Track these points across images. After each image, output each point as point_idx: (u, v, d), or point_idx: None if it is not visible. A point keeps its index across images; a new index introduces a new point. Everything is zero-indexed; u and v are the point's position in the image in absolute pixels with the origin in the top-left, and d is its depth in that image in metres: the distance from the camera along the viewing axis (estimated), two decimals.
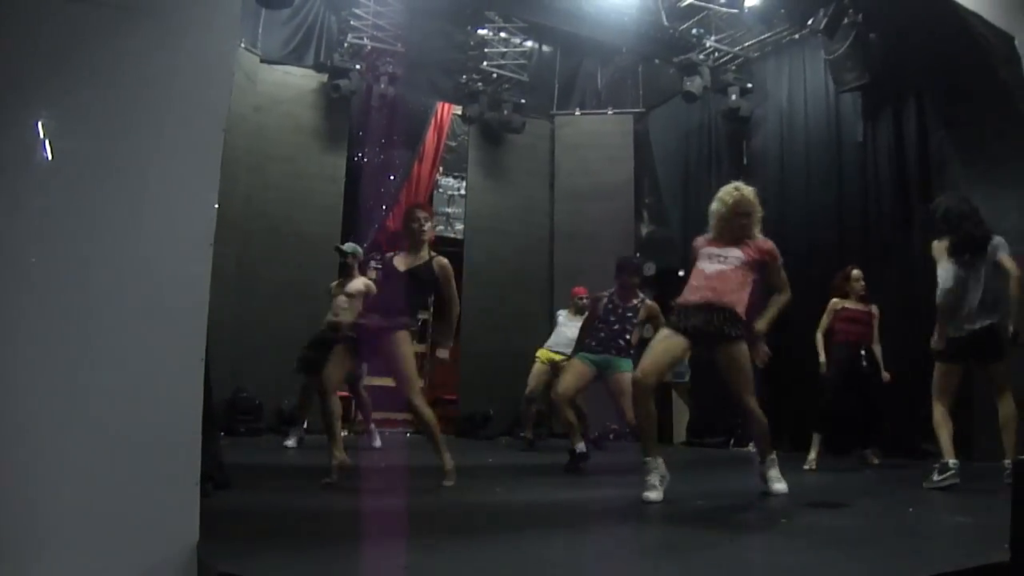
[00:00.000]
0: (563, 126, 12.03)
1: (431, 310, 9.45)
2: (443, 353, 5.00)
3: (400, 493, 4.64)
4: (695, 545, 3.19)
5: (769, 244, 4.56)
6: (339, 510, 3.93)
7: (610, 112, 12.03)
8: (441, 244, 11.40)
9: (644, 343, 5.74)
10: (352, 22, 10.11)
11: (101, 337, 2.57)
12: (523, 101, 11.41)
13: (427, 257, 4.89)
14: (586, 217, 11.37)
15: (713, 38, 9.73)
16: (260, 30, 9.84)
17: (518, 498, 4.71)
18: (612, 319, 6.15)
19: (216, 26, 2.95)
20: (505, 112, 11.13)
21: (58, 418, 2.47)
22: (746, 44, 9.90)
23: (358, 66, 10.07)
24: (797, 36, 9.41)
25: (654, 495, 4.22)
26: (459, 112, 11.40)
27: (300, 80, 10.33)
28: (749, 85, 9.82)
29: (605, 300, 6.24)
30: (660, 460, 4.36)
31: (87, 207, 2.61)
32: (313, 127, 10.37)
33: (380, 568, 2.59)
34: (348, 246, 7.52)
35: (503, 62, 11.16)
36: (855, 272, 6.73)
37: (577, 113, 12.08)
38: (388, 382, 4.99)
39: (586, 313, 6.90)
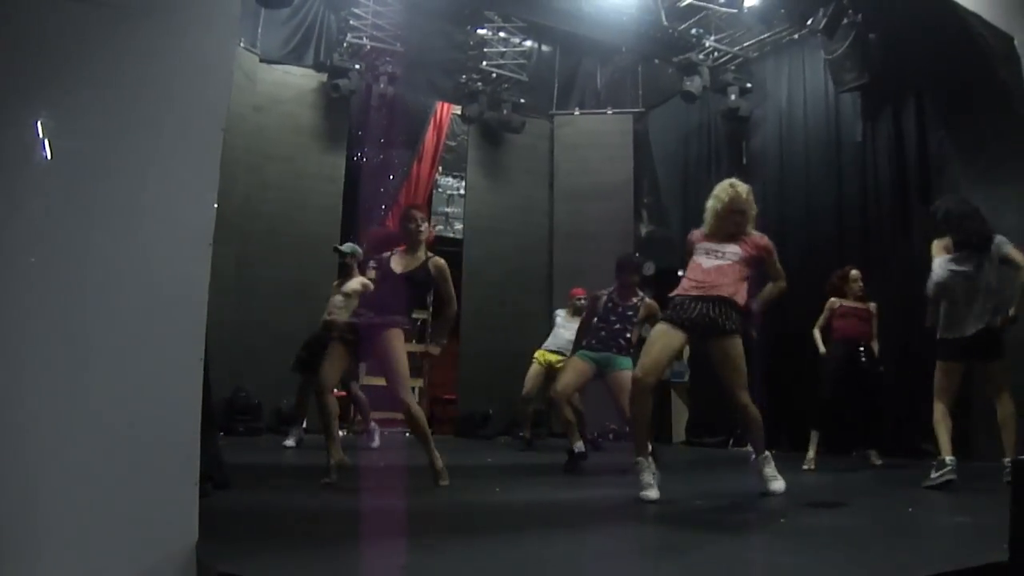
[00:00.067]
0: (562, 126, 12.04)
1: (430, 310, 9.48)
2: (434, 349, 4.99)
3: (399, 493, 4.63)
4: (694, 545, 3.19)
5: (764, 240, 4.62)
6: (338, 510, 3.93)
7: (609, 112, 12.04)
8: (440, 244, 11.41)
9: (643, 343, 5.76)
10: (351, 22, 10.11)
11: (100, 337, 2.57)
12: (522, 101, 11.43)
13: (423, 258, 4.90)
14: (585, 217, 11.38)
15: (712, 38, 9.73)
16: (259, 30, 9.84)
17: (517, 498, 4.70)
18: (612, 318, 6.15)
19: (215, 25, 2.95)
20: (504, 112, 11.14)
21: (57, 418, 2.47)
22: (745, 44, 9.91)
23: (357, 66, 10.08)
24: (796, 36, 9.41)
25: (652, 493, 4.24)
26: (458, 112, 11.40)
27: (299, 80, 10.34)
28: (748, 85, 9.83)
29: (605, 299, 6.24)
30: (651, 459, 4.38)
31: (86, 207, 2.60)
32: (312, 127, 10.38)
33: (379, 568, 2.59)
34: (347, 246, 7.52)
35: (502, 62, 11.16)
36: (853, 272, 6.74)
37: (576, 113, 12.09)
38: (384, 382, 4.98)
39: (584, 313, 6.90)
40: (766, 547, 3.19)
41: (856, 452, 7.27)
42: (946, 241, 5.24)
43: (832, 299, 6.73)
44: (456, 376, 11.30)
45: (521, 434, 8.86)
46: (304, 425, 7.63)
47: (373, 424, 7.63)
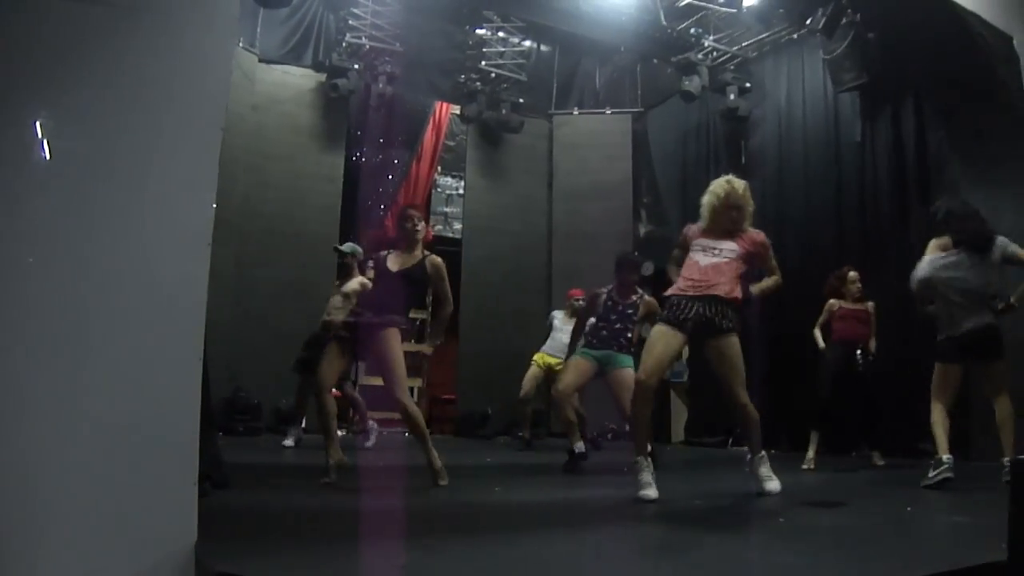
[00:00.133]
0: (561, 125, 12.04)
1: (429, 309, 9.47)
2: (427, 349, 4.99)
3: (398, 493, 4.63)
4: (693, 544, 3.19)
5: (761, 235, 4.64)
6: (337, 510, 3.93)
7: (608, 112, 12.04)
8: (439, 243, 11.40)
9: (643, 342, 5.76)
10: (350, 21, 10.12)
11: (99, 337, 2.57)
12: (521, 100, 11.43)
13: (420, 256, 4.90)
14: (584, 216, 11.39)
15: (711, 38, 9.73)
16: (258, 29, 9.84)
17: (516, 497, 4.70)
18: (613, 317, 6.15)
19: (214, 25, 2.95)
20: (503, 111, 11.14)
21: (56, 417, 2.47)
22: (744, 44, 9.91)
23: (356, 65, 10.08)
24: (795, 36, 9.42)
25: (651, 492, 4.24)
26: (457, 111, 11.40)
27: (298, 79, 10.34)
28: (747, 85, 9.83)
29: (604, 297, 6.24)
30: (650, 459, 4.39)
31: (85, 206, 2.60)
32: (311, 126, 10.38)
33: (378, 567, 2.59)
34: (347, 246, 7.51)
35: (501, 62, 11.17)
36: (851, 274, 6.74)
37: (575, 112, 12.09)
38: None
39: (581, 311, 6.92)
40: (765, 547, 3.19)
41: (856, 452, 7.28)
42: (944, 241, 5.24)
43: (831, 301, 6.74)
44: (455, 376, 11.30)
45: (520, 434, 8.86)
46: (303, 425, 7.64)
47: (371, 423, 7.63)
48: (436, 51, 10.89)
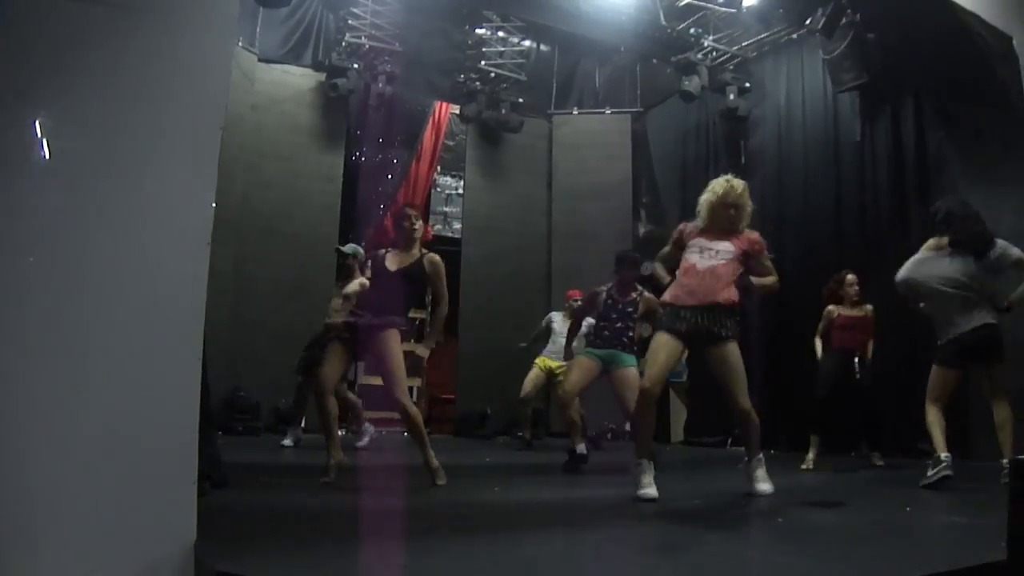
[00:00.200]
0: (561, 125, 12.04)
1: (429, 309, 9.46)
2: (422, 351, 4.95)
3: (398, 493, 4.63)
4: (693, 544, 3.20)
5: (756, 235, 4.63)
6: (337, 509, 3.94)
7: (608, 111, 12.04)
8: (439, 243, 11.46)
9: (644, 342, 5.77)
10: (350, 21, 10.11)
11: (98, 336, 2.57)
12: (521, 100, 11.43)
13: (418, 255, 4.90)
14: (584, 216, 11.38)
15: (711, 38, 9.73)
16: (258, 29, 9.83)
17: (516, 497, 4.70)
18: (613, 315, 6.15)
19: (214, 25, 2.94)
20: (503, 111, 11.14)
21: (55, 417, 2.47)
22: (744, 44, 9.90)
23: (356, 65, 10.07)
24: (795, 36, 9.41)
25: (651, 492, 4.25)
26: (457, 111, 11.39)
27: (298, 79, 10.33)
28: (747, 85, 9.83)
29: (604, 295, 6.24)
30: (652, 463, 4.39)
31: (84, 206, 2.60)
32: (311, 126, 10.37)
33: (378, 567, 2.59)
34: (349, 247, 7.48)
35: (501, 61, 11.16)
36: (849, 277, 6.73)
37: (575, 112, 12.09)
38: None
39: (579, 309, 6.92)
40: (764, 546, 3.19)
41: (855, 452, 7.28)
42: (940, 241, 5.23)
43: (829, 307, 6.71)
44: (454, 376, 11.30)
45: (520, 434, 8.86)
46: (302, 425, 7.64)
47: (367, 425, 7.62)
48: (435, 51, 10.88)
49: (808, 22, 8.52)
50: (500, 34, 11.15)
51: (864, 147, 8.51)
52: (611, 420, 10.01)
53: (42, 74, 2.59)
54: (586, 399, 7.39)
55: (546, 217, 11.84)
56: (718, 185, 4.64)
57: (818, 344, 6.75)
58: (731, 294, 4.43)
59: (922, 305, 5.39)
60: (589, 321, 7.38)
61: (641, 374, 5.54)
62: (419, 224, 4.98)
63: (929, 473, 4.86)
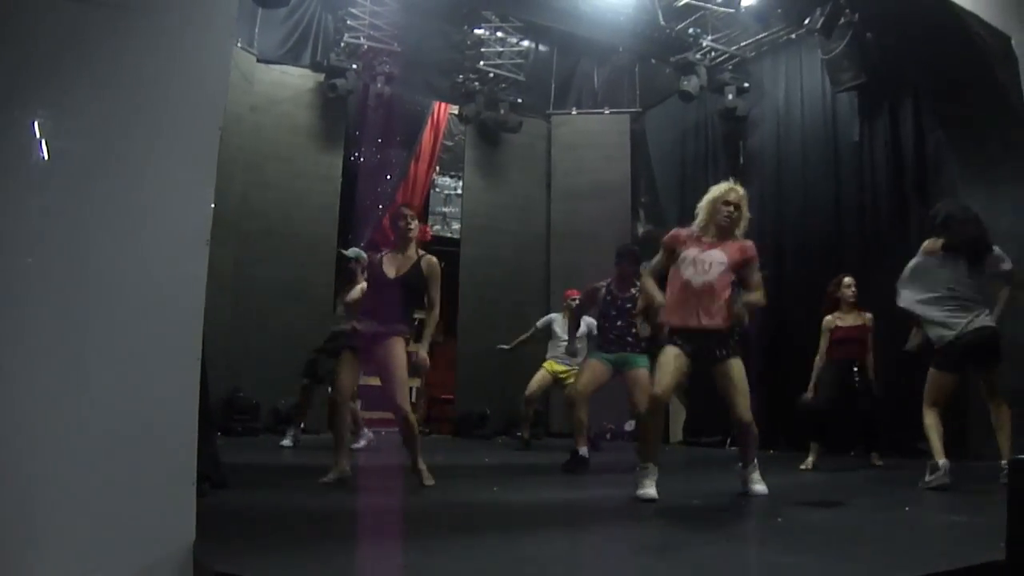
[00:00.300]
0: (560, 125, 12.03)
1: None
2: (422, 355, 4.90)
3: (397, 493, 4.64)
4: (691, 544, 3.20)
5: (749, 244, 4.63)
6: (336, 510, 3.93)
7: (607, 111, 12.03)
8: (438, 243, 11.47)
9: (648, 341, 5.79)
10: (349, 22, 10.09)
11: (97, 337, 2.57)
12: (520, 101, 11.43)
13: (415, 257, 4.89)
14: (583, 216, 11.37)
15: (710, 38, 9.73)
16: (256, 30, 9.82)
17: (515, 497, 4.70)
18: (613, 312, 6.16)
19: (212, 25, 2.94)
20: (502, 111, 11.13)
21: (54, 417, 2.47)
22: (743, 44, 9.91)
23: (355, 66, 10.06)
24: (794, 36, 9.41)
25: (651, 492, 4.26)
26: (456, 112, 11.39)
27: (297, 80, 10.32)
28: (746, 85, 9.83)
29: (603, 291, 6.24)
30: (656, 468, 4.40)
31: (83, 207, 2.60)
32: (310, 127, 10.36)
33: (378, 567, 2.59)
34: (351, 251, 7.42)
35: (500, 62, 11.16)
36: (846, 279, 6.71)
37: (574, 112, 12.08)
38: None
39: (578, 304, 6.93)
40: (763, 546, 3.19)
41: (854, 452, 7.28)
42: (936, 243, 5.22)
43: (827, 319, 6.66)
44: (453, 376, 11.29)
45: (519, 434, 8.85)
46: (302, 426, 7.63)
47: (364, 430, 7.61)
48: (434, 51, 10.88)
49: (806, 22, 8.53)
50: (499, 34, 11.15)
51: (863, 147, 8.51)
52: (610, 421, 10.01)
53: (41, 75, 2.59)
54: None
55: (545, 217, 11.84)
56: (718, 187, 4.70)
57: (817, 365, 6.65)
58: (728, 316, 4.45)
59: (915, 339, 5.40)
60: (589, 320, 7.38)
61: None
62: (415, 224, 4.96)
63: (927, 478, 4.86)
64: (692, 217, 4.79)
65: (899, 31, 7.57)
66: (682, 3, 9.43)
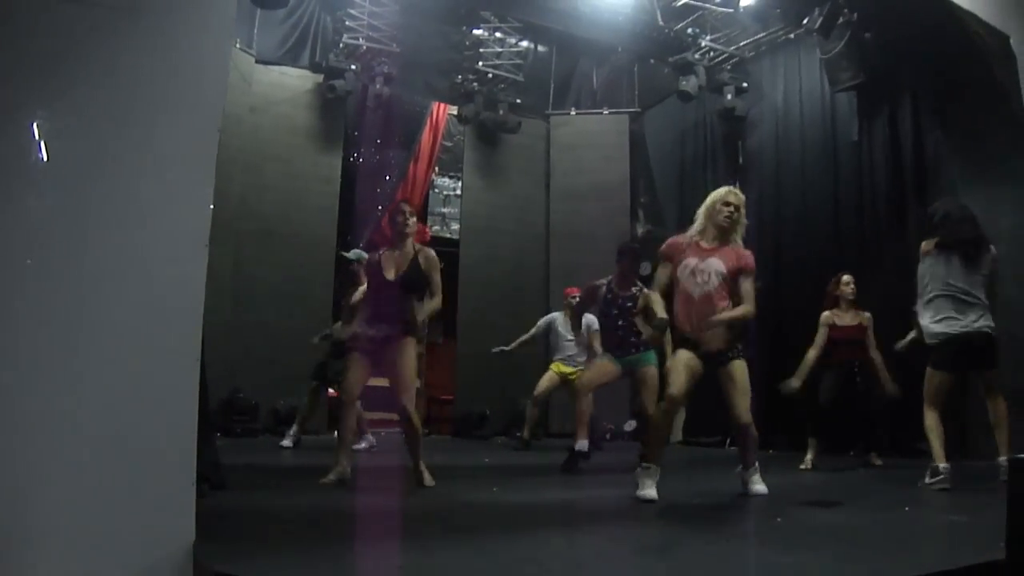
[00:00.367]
0: (559, 126, 12.04)
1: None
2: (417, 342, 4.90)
3: (396, 493, 4.63)
4: (691, 544, 3.20)
5: (748, 253, 4.61)
6: (335, 510, 3.93)
7: (606, 112, 12.04)
8: (437, 244, 11.41)
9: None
10: (347, 22, 10.11)
11: (96, 338, 2.57)
12: (519, 101, 11.44)
13: (412, 253, 4.88)
14: (582, 217, 11.38)
15: (708, 38, 9.74)
16: (255, 30, 9.82)
17: (515, 497, 4.70)
18: (614, 312, 6.16)
19: (211, 26, 2.95)
20: (501, 112, 11.14)
21: (54, 418, 2.47)
22: (741, 44, 9.92)
23: (353, 66, 10.07)
24: (792, 36, 9.42)
25: (651, 492, 4.26)
26: (455, 112, 11.41)
27: (295, 80, 10.32)
28: (745, 85, 9.85)
29: (604, 289, 6.24)
30: (658, 469, 4.40)
31: (82, 208, 2.60)
32: (308, 127, 10.36)
33: (376, 568, 2.59)
34: (353, 253, 7.39)
35: (499, 62, 11.17)
36: (845, 277, 6.71)
37: (573, 113, 12.09)
38: (384, 383, 4.98)
39: (578, 302, 6.94)
40: (763, 546, 3.19)
41: (854, 452, 7.28)
42: (932, 243, 5.22)
43: (825, 314, 6.64)
44: (453, 376, 11.29)
45: (518, 434, 8.84)
46: (302, 427, 7.63)
47: (367, 433, 7.60)
48: (433, 52, 10.88)
49: (805, 22, 8.53)
50: (497, 35, 11.16)
51: (862, 146, 8.51)
52: (610, 421, 10.00)
53: (40, 76, 2.59)
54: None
55: (544, 217, 11.85)
56: (716, 191, 4.73)
57: (809, 359, 6.50)
58: (731, 326, 4.51)
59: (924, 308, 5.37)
60: (589, 317, 7.38)
61: (659, 372, 5.69)
62: (413, 220, 4.95)
63: (928, 480, 4.86)
64: (691, 217, 4.78)
65: (897, 31, 7.57)
66: (681, 3, 9.44)
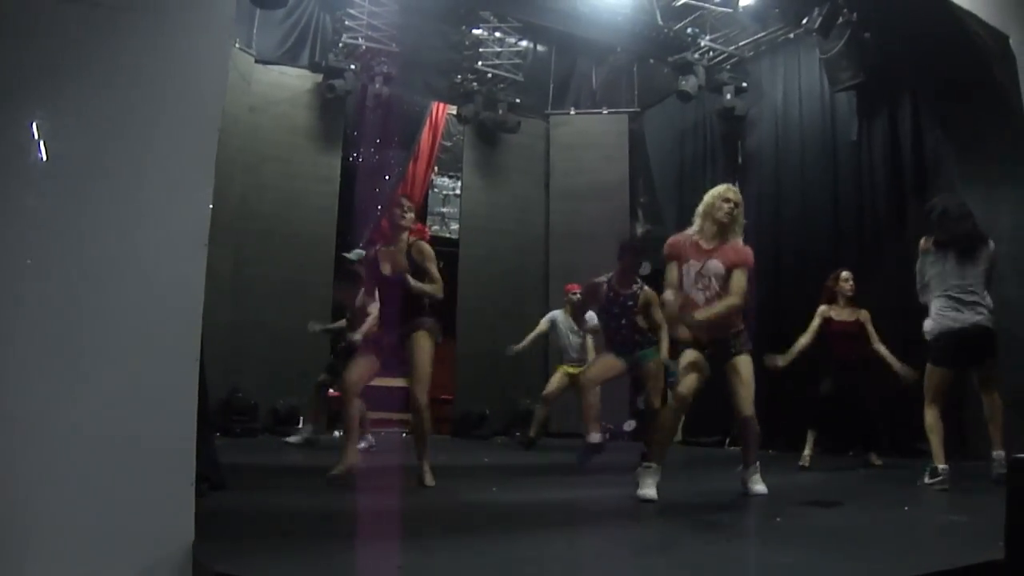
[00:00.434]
0: (558, 126, 12.03)
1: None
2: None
3: (395, 493, 4.63)
4: (691, 544, 3.20)
5: (747, 249, 4.59)
6: (335, 510, 3.93)
7: (605, 112, 12.03)
8: (436, 244, 11.37)
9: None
10: (347, 22, 10.10)
11: (96, 338, 2.57)
12: (518, 101, 11.43)
13: (406, 248, 4.86)
14: (581, 217, 11.36)
15: (708, 37, 9.73)
16: (255, 30, 9.81)
17: (514, 497, 4.71)
18: (616, 311, 6.18)
19: (211, 26, 2.95)
20: (500, 112, 11.14)
21: (53, 418, 2.47)
22: (741, 43, 9.92)
23: (353, 66, 10.06)
24: (792, 35, 9.42)
25: (651, 492, 4.26)
26: (454, 112, 11.40)
27: (295, 80, 10.31)
28: (744, 84, 9.84)
29: (605, 287, 6.25)
30: (659, 469, 4.40)
31: (81, 208, 2.60)
32: (308, 127, 10.35)
33: (376, 568, 2.59)
34: (354, 253, 7.39)
35: (498, 62, 11.16)
36: (844, 273, 6.71)
37: (572, 113, 12.08)
38: (384, 383, 5.00)
39: (580, 300, 6.95)
40: (762, 546, 3.19)
41: (853, 452, 7.28)
42: (929, 240, 5.22)
43: (822, 307, 6.66)
44: (452, 376, 11.28)
45: (518, 434, 8.83)
46: (301, 426, 7.62)
47: (367, 434, 7.59)
48: (432, 51, 10.87)
49: (804, 22, 8.52)
50: (497, 35, 11.15)
51: (861, 146, 8.51)
52: (609, 420, 9.98)
53: (39, 76, 2.59)
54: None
55: (544, 217, 11.84)
56: (715, 188, 4.72)
57: (800, 344, 6.50)
58: (736, 321, 4.56)
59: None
60: (591, 316, 7.38)
61: (664, 367, 5.94)
62: (410, 215, 4.93)
63: (927, 480, 4.87)
64: (690, 217, 4.77)
65: (897, 31, 7.56)
66: (680, 3, 9.43)
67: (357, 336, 6.77)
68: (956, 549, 2.99)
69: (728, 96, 9.75)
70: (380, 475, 5.71)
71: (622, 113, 11.93)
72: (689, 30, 9.57)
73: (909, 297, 5.57)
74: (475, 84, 11.03)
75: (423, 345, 4.77)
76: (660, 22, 9.41)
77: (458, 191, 12.59)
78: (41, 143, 2.55)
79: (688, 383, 4.44)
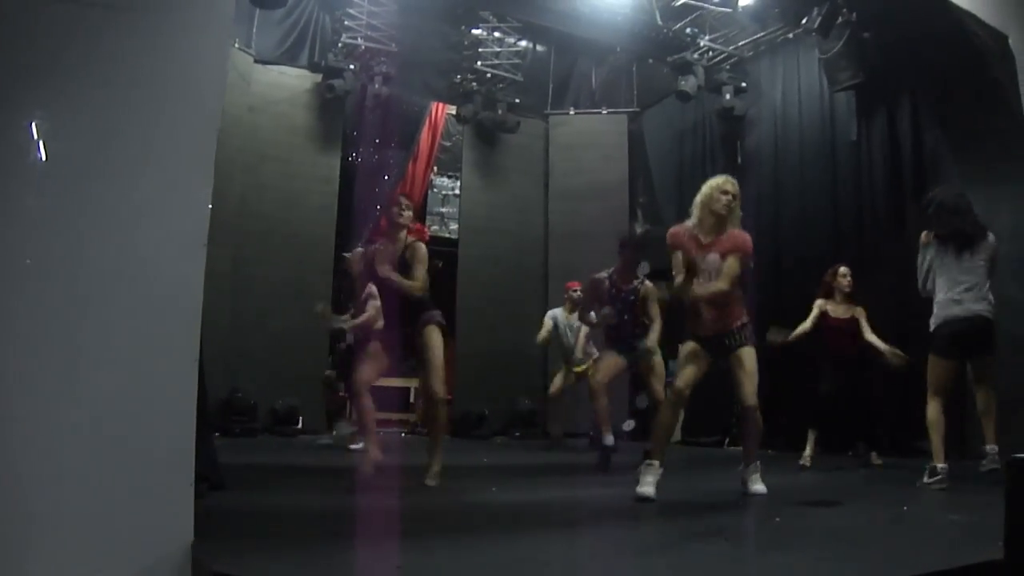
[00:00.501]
0: (557, 126, 12.03)
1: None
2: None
3: (395, 493, 4.63)
4: (690, 544, 3.20)
5: (743, 235, 4.57)
6: (334, 510, 3.93)
7: (604, 111, 12.03)
8: (436, 244, 11.40)
9: None
10: (346, 22, 10.10)
11: (95, 338, 2.56)
12: (517, 101, 11.43)
13: (402, 247, 4.86)
14: (581, 217, 11.35)
15: (707, 37, 9.73)
16: (254, 30, 9.80)
17: (514, 497, 4.71)
18: (618, 306, 6.18)
19: (210, 26, 2.94)
20: (499, 112, 11.13)
21: (52, 419, 2.46)
22: (740, 43, 9.92)
23: (352, 66, 10.06)
24: (791, 35, 9.41)
25: (650, 491, 4.25)
26: (453, 112, 11.39)
27: (294, 80, 10.30)
28: (743, 84, 9.85)
29: (607, 283, 6.25)
30: (660, 467, 4.40)
31: (81, 208, 2.60)
32: (307, 127, 10.34)
33: (375, 568, 2.59)
34: (354, 253, 7.41)
35: (497, 62, 11.16)
36: (842, 269, 6.72)
37: (571, 113, 12.08)
38: (384, 383, 5.02)
39: (582, 298, 6.96)
40: (762, 546, 3.19)
41: (853, 451, 7.28)
42: (930, 235, 5.23)
43: (819, 301, 6.68)
44: (452, 376, 11.26)
45: (517, 434, 8.81)
46: (300, 426, 7.62)
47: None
48: (432, 51, 10.87)
49: (804, 21, 8.53)
50: (496, 35, 11.14)
51: (860, 146, 8.51)
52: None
53: (38, 76, 2.58)
54: (584, 400, 7.41)
55: (543, 217, 11.83)
56: (715, 178, 4.71)
57: (797, 331, 6.59)
58: (739, 315, 4.56)
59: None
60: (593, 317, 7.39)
61: (665, 362, 5.99)
62: (408, 213, 4.94)
63: (926, 480, 4.87)
64: (690, 217, 4.76)
65: (896, 30, 7.57)
66: (679, 3, 9.43)
67: (347, 325, 6.80)
68: (956, 549, 2.99)
69: (727, 96, 9.75)
70: (380, 475, 5.71)
71: (621, 113, 11.93)
72: (688, 30, 9.57)
73: (909, 296, 5.58)
74: (474, 84, 11.02)
75: (434, 339, 4.79)
76: (659, 22, 9.41)
77: (457, 191, 12.58)
78: (41, 143, 2.55)
79: (685, 376, 4.44)
